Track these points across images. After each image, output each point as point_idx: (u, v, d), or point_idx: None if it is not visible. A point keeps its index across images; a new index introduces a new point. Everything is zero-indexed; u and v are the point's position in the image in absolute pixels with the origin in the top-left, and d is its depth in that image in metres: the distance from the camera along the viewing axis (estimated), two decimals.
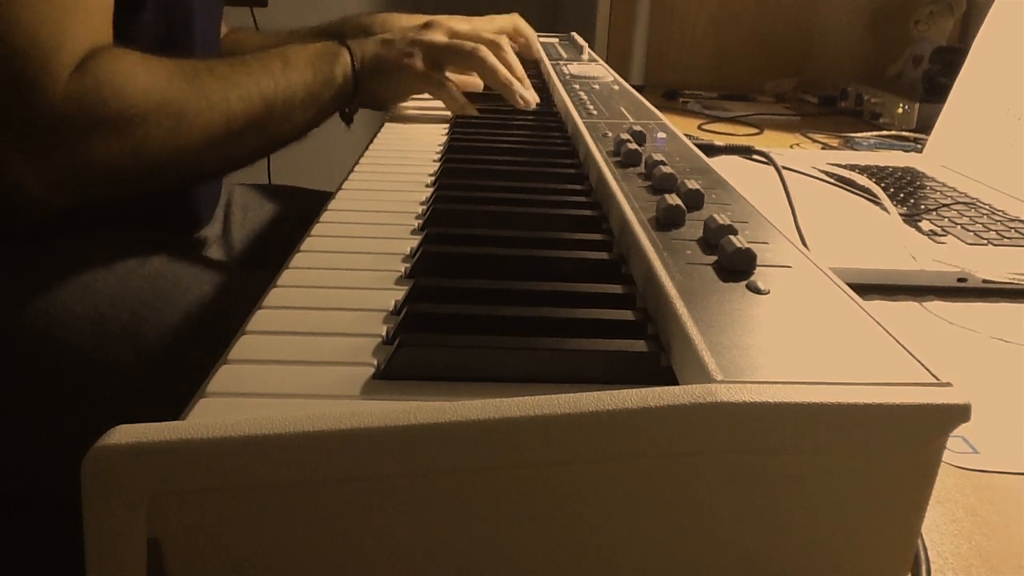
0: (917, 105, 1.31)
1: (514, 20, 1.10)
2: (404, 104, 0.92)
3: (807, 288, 0.37)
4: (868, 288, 0.66)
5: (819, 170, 0.95)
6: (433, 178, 0.64)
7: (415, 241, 0.49)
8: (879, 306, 0.64)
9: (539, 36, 1.35)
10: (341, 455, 0.27)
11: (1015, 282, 0.66)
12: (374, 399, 0.32)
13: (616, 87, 0.93)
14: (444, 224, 0.51)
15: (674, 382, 0.33)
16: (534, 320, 0.37)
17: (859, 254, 0.70)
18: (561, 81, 0.93)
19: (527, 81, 0.90)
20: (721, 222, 0.42)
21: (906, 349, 0.32)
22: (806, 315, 0.34)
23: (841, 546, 0.29)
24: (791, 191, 0.69)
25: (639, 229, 0.43)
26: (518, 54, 0.95)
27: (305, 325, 0.38)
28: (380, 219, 0.53)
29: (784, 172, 0.72)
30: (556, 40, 1.34)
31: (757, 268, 0.39)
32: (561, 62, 1.10)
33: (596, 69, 1.06)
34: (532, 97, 0.88)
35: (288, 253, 0.47)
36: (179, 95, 0.63)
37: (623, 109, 0.79)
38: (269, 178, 1.13)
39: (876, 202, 0.81)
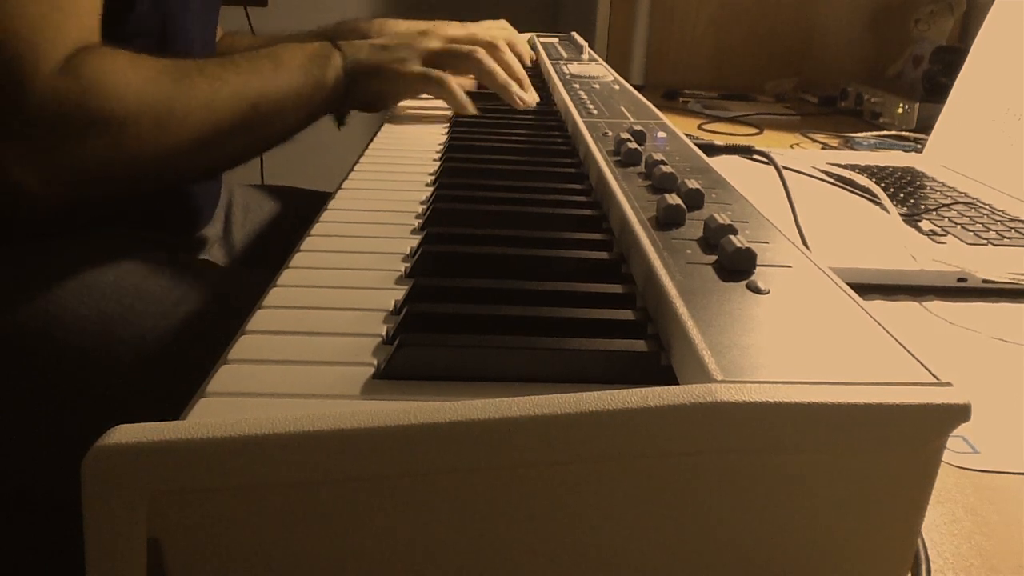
0: (917, 105, 1.31)
1: (507, 29, 1.09)
2: (404, 104, 0.92)
3: (807, 288, 0.37)
4: (868, 288, 0.66)
5: (819, 170, 0.95)
6: (433, 177, 0.64)
7: (415, 241, 0.49)
8: (879, 306, 0.64)
9: (539, 36, 1.35)
10: (341, 455, 0.27)
11: (1015, 282, 0.66)
12: (374, 399, 0.32)
13: (616, 87, 0.93)
14: (444, 224, 0.51)
15: (674, 382, 0.33)
16: (534, 320, 0.37)
17: (859, 254, 0.70)
18: (561, 81, 0.93)
19: (527, 81, 0.90)
20: (721, 222, 0.42)
21: (906, 349, 0.32)
22: (806, 315, 0.34)
23: (841, 546, 0.29)
24: (791, 191, 0.69)
25: (639, 228, 0.43)
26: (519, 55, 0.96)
27: (305, 325, 0.38)
28: (380, 219, 0.53)
29: (784, 172, 0.72)
30: (556, 40, 1.34)
31: (757, 268, 0.39)
32: (561, 62, 1.10)
33: (596, 69, 1.06)
34: (531, 98, 0.88)
35: (288, 253, 0.47)
36: (166, 95, 0.63)
37: (623, 109, 0.79)
38: (262, 178, 1.13)
39: (876, 202, 0.81)
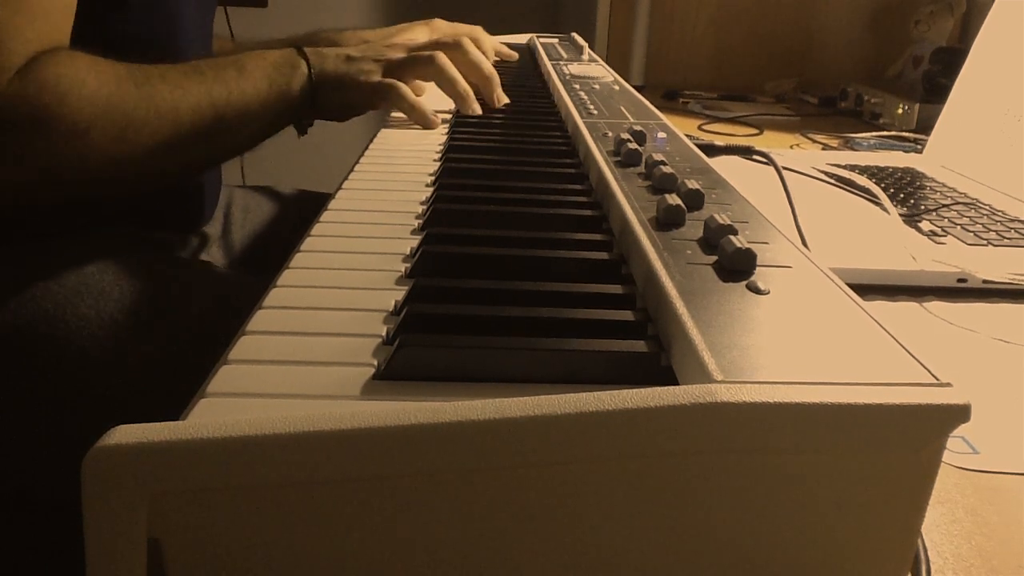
0: (917, 105, 1.31)
1: (475, 30, 1.09)
2: None
3: (807, 288, 0.37)
4: (868, 288, 0.66)
5: (819, 170, 0.95)
6: (433, 178, 0.64)
7: (415, 241, 0.49)
8: (879, 306, 0.64)
9: (539, 36, 1.35)
10: (341, 455, 0.27)
11: (1015, 282, 0.66)
12: (374, 399, 0.32)
13: (616, 87, 0.93)
14: (444, 224, 0.51)
15: (674, 382, 0.33)
16: (534, 320, 0.37)
17: (859, 254, 0.70)
18: (561, 81, 0.93)
19: (496, 79, 0.89)
20: (721, 222, 0.42)
21: (906, 349, 0.32)
22: (806, 315, 0.34)
23: (841, 546, 0.29)
24: (791, 191, 0.69)
25: (639, 229, 0.43)
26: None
27: (305, 325, 0.38)
28: (380, 219, 0.53)
29: (784, 172, 0.72)
30: (556, 40, 1.34)
31: (757, 268, 0.39)
32: (561, 62, 1.10)
33: (596, 69, 1.06)
34: (497, 100, 0.88)
35: (288, 254, 0.47)
36: (126, 101, 0.62)
37: (623, 109, 0.79)
38: (243, 180, 1.13)
39: (876, 202, 0.81)
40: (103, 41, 0.63)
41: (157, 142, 0.64)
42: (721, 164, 0.61)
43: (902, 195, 0.89)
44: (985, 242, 0.75)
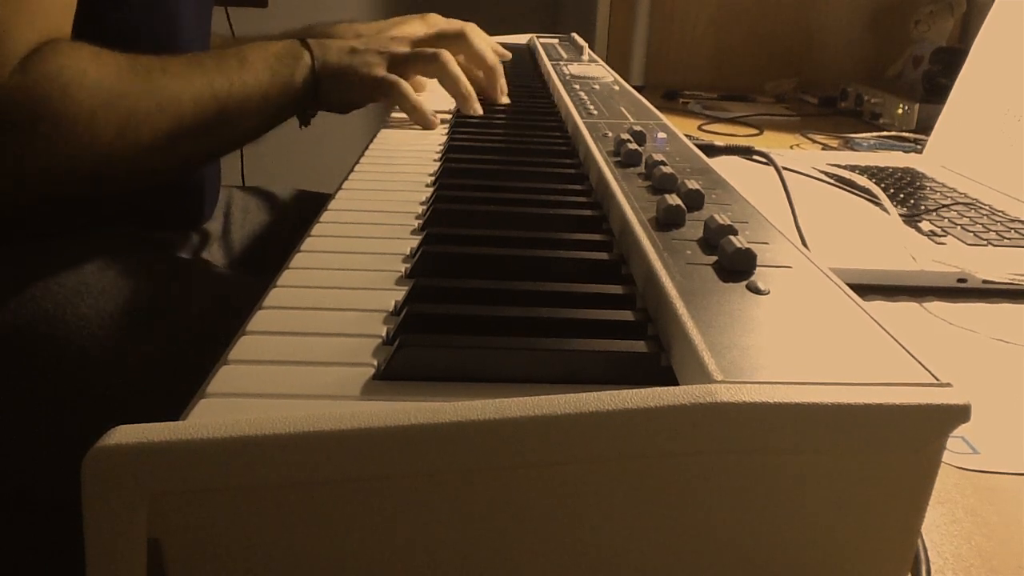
0: (917, 105, 1.31)
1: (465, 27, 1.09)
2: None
3: (807, 288, 0.37)
4: (868, 288, 0.66)
5: (819, 170, 0.95)
6: (433, 178, 0.64)
7: (415, 241, 0.49)
8: (879, 306, 0.64)
9: (539, 36, 1.36)
10: (341, 455, 0.27)
11: (1015, 282, 0.66)
12: (374, 399, 0.32)
13: (616, 87, 0.93)
14: (444, 224, 0.51)
15: (674, 382, 0.33)
16: (534, 320, 0.37)
17: (859, 254, 0.70)
18: (561, 81, 0.93)
19: (499, 70, 0.89)
20: (721, 222, 0.42)
21: (906, 349, 0.32)
22: (806, 315, 0.34)
23: (841, 546, 0.29)
24: (791, 191, 0.69)
25: (639, 229, 0.43)
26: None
27: (305, 325, 0.38)
28: (380, 219, 0.53)
29: (784, 172, 0.72)
30: (556, 41, 1.34)
31: (757, 268, 0.39)
32: (561, 62, 1.10)
33: (596, 69, 1.06)
34: (500, 97, 0.88)
35: (288, 254, 0.47)
36: (128, 93, 0.62)
37: (623, 109, 0.79)
38: (243, 180, 1.13)
39: (876, 203, 0.81)
40: (102, 39, 0.63)
41: (159, 133, 0.64)
42: (721, 164, 0.61)
43: (902, 195, 0.89)
44: (985, 242, 0.75)
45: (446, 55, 0.82)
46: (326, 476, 0.27)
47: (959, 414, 0.28)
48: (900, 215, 0.77)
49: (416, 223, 0.53)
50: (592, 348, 0.35)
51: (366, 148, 0.74)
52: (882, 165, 1.03)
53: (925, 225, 0.78)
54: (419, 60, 0.82)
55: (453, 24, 1.03)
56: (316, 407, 0.31)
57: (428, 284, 0.41)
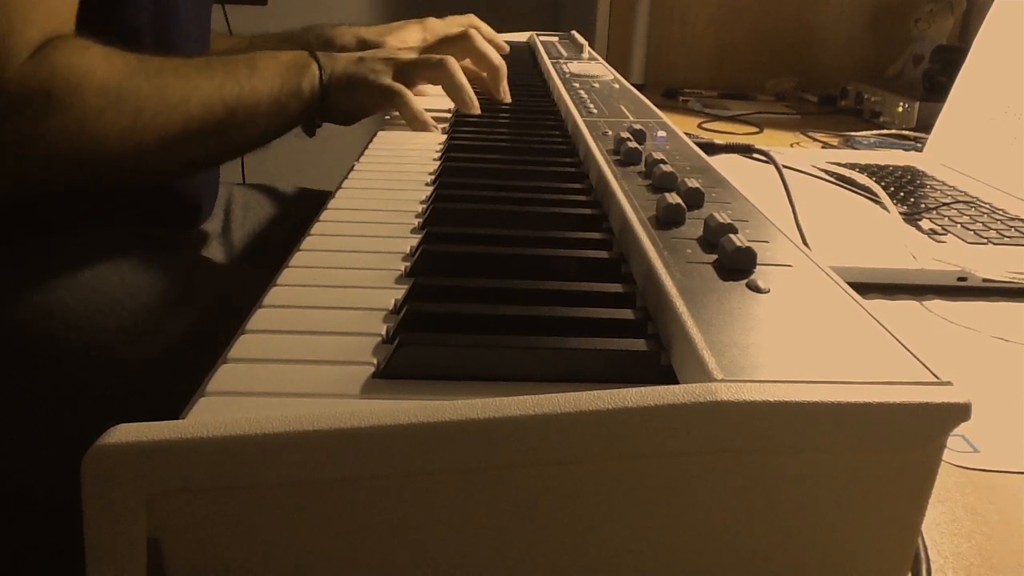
0: (917, 104, 1.31)
1: (469, 19, 1.09)
2: None
3: (807, 287, 0.37)
4: (868, 287, 0.65)
5: (819, 169, 0.94)
6: (433, 177, 0.63)
7: (415, 240, 0.49)
8: (879, 305, 0.63)
9: (539, 35, 1.35)
10: (341, 455, 0.27)
11: (1015, 281, 0.66)
12: (374, 398, 0.32)
13: (616, 86, 0.93)
14: (444, 223, 0.51)
15: (674, 381, 0.33)
16: (534, 319, 0.37)
17: (859, 253, 0.70)
18: (561, 80, 0.93)
19: (504, 69, 0.90)
20: (721, 221, 0.42)
21: (906, 348, 0.31)
22: (806, 314, 0.34)
23: (841, 545, 0.29)
24: (791, 190, 0.69)
25: (639, 228, 0.43)
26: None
27: (305, 324, 0.38)
28: (380, 218, 0.53)
29: (784, 171, 0.72)
30: (556, 39, 1.34)
31: (757, 267, 0.39)
32: (561, 61, 1.10)
33: (596, 68, 1.06)
34: (500, 92, 0.88)
35: (288, 252, 0.47)
36: (137, 92, 0.62)
37: (623, 108, 0.79)
38: (243, 178, 1.13)
39: (876, 201, 0.81)
40: (102, 35, 0.63)
41: (166, 135, 0.64)
42: (721, 163, 0.61)
43: (902, 193, 0.89)
44: (985, 240, 0.75)
45: (451, 62, 0.82)
46: (326, 475, 0.27)
47: (959, 413, 0.28)
48: (900, 213, 0.77)
49: (416, 222, 0.53)
50: (592, 347, 0.35)
51: (366, 148, 0.74)
52: (882, 163, 1.03)
53: (925, 223, 0.78)
54: (425, 67, 0.83)
55: (451, 26, 1.03)
56: (316, 406, 0.31)
57: (428, 283, 0.41)
